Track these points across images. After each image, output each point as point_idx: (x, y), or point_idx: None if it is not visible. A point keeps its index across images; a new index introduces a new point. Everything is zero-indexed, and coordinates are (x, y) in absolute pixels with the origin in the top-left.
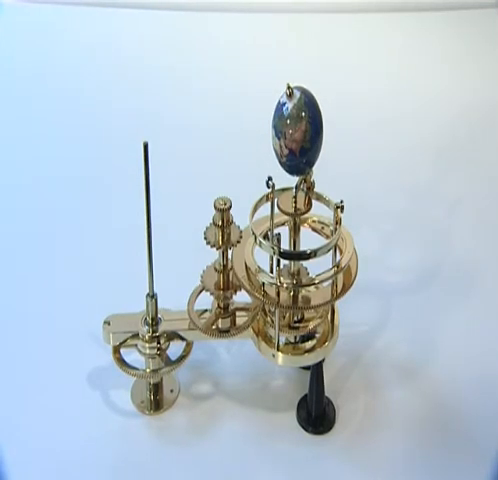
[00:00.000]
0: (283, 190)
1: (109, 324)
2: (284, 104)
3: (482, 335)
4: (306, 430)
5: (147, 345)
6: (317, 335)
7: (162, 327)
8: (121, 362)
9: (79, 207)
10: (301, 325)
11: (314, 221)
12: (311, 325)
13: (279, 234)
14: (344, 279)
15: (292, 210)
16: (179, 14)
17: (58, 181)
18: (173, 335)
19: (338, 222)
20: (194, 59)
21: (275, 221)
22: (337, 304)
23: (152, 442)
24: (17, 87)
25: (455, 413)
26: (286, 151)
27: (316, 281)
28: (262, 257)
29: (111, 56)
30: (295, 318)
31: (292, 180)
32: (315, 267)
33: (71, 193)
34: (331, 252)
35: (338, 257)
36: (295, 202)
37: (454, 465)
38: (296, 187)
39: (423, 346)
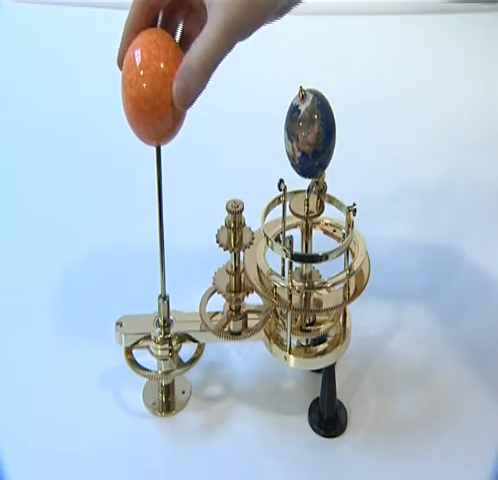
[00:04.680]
0: (295, 192)
1: (121, 325)
2: (297, 106)
3: (496, 339)
4: (317, 433)
5: (159, 346)
6: (329, 338)
7: (174, 329)
8: (133, 363)
9: (92, 208)
10: (313, 328)
11: (326, 224)
12: (323, 328)
13: (291, 237)
14: (356, 282)
15: (304, 213)
16: None
17: (65, 181)
18: (185, 337)
19: (350, 225)
20: None
21: (287, 224)
22: (349, 307)
23: (163, 443)
24: (16, 87)
25: (467, 416)
26: (299, 154)
27: (328, 284)
28: (274, 260)
29: (111, 57)
30: (307, 321)
31: (304, 182)
32: (327, 270)
33: (80, 194)
34: (343, 255)
35: (350, 260)
36: (307, 205)
37: (467, 468)
38: (308, 190)
39: (435, 350)
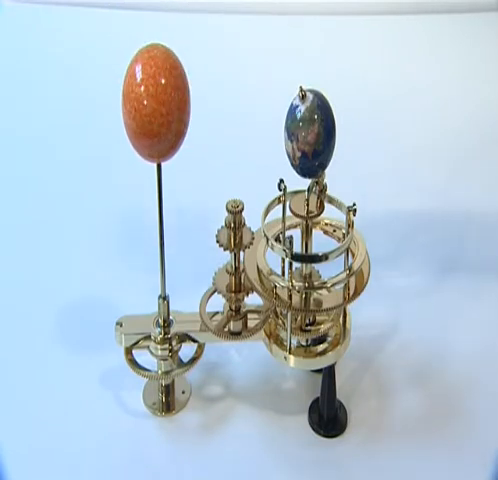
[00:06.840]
0: (295, 192)
1: (121, 325)
2: (297, 107)
3: (495, 337)
4: (318, 433)
5: (159, 347)
6: (329, 338)
7: (174, 329)
8: (133, 363)
9: (92, 208)
10: (313, 328)
11: (326, 224)
12: (323, 328)
13: (291, 237)
14: (356, 282)
15: (304, 213)
16: (180, 16)
17: (64, 180)
18: (185, 337)
19: (350, 225)
20: (207, 61)
21: (287, 224)
22: (349, 307)
23: (163, 443)
24: (16, 88)
25: (468, 416)
26: (299, 154)
27: (328, 284)
28: (274, 260)
29: (111, 57)
30: (307, 321)
31: (304, 182)
32: (327, 270)
33: (79, 193)
34: (343, 255)
35: (350, 260)
36: (307, 205)
37: (467, 468)
38: (308, 190)
39: (435, 349)
